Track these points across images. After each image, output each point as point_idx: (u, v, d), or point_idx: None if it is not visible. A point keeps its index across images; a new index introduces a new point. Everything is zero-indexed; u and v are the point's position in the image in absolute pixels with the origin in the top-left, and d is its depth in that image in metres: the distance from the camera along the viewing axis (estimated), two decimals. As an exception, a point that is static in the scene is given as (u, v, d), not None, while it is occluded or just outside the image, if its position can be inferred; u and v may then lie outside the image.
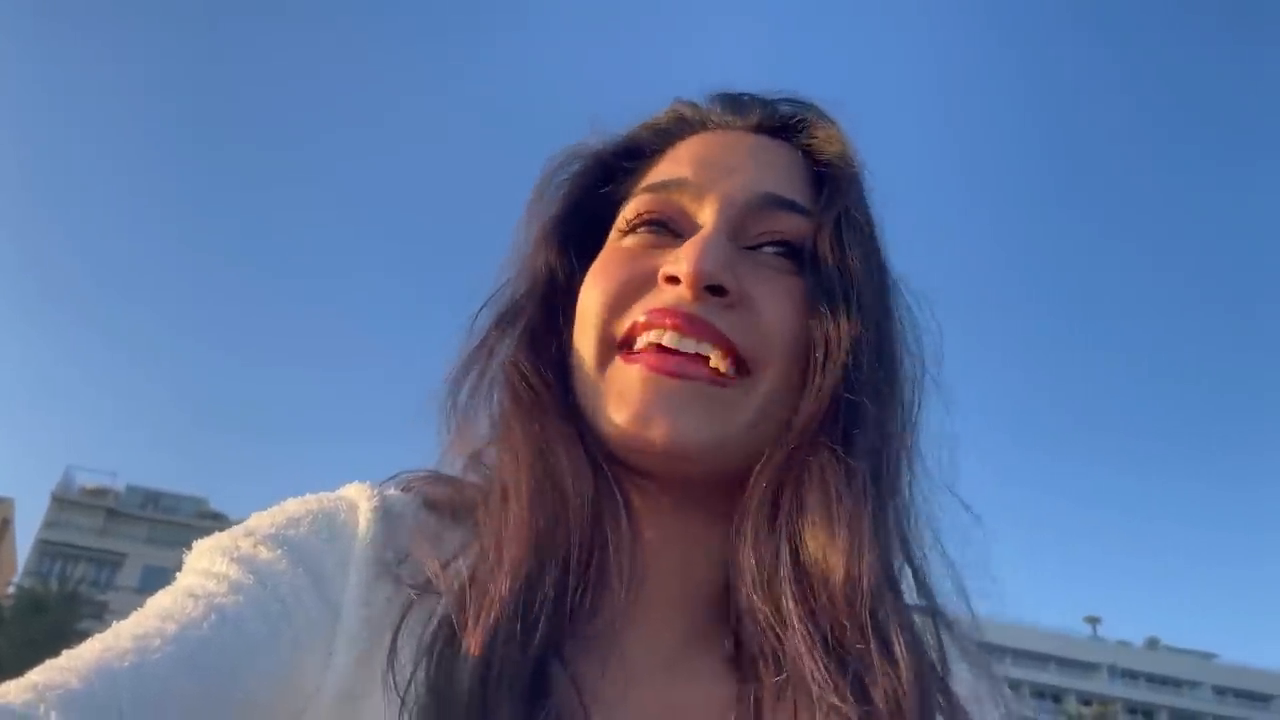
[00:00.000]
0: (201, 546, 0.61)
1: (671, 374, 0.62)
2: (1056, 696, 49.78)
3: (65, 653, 0.51)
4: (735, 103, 0.76)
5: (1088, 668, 53.32)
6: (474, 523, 0.65)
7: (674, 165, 0.71)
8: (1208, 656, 57.40)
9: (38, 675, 0.48)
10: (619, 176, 0.75)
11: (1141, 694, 53.63)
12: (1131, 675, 54.54)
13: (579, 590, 0.60)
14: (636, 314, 0.65)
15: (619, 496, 0.64)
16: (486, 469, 0.69)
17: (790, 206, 0.69)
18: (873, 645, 0.59)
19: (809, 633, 0.59)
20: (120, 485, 47.67)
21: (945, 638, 0.66)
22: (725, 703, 0.62)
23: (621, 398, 0.63)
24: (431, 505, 0.67)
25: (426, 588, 0.60)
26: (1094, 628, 55.54)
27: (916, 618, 0.65)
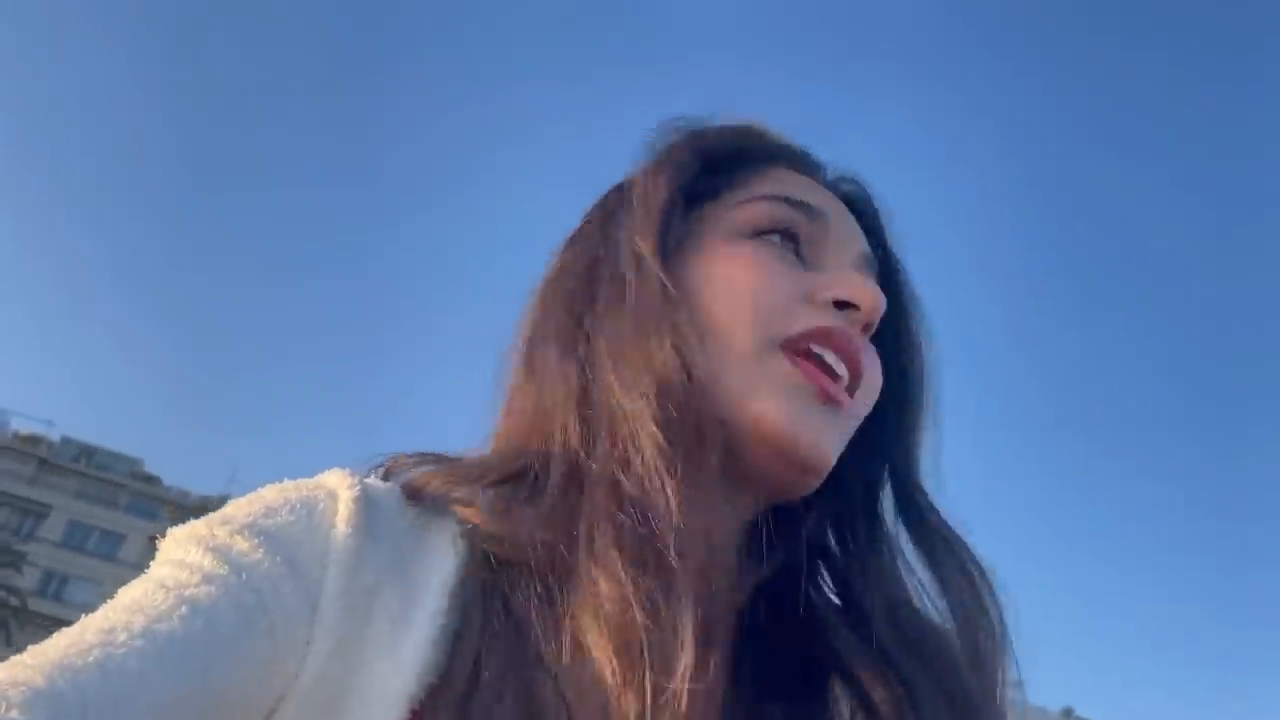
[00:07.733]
0: (176, 535, 0.59)
1: (834, 401, 0.65)
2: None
3: (30, 649, 0.50)
4: (810, 159, 0.79)
5: (1000, 732, 53.82)
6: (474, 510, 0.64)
7: (802, 190, 0.72)
8: (1119, 733, 58.20)
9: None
10: (721, 166, 0.75)
11: (1050, 764, 54.31)
12: (1043, 744, 55.22)
13: None
14: (802, 322, 0.66)
15: None
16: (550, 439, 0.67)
17: (878, 281, 0.73)
18: (926, 658, 0.65)
19: (884, 634, 0.65)
20: (56, 435, 46.57)
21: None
22: (725, 691, 0.65)
23: (785, 403, 0.64)
24: (413, 495, 0.65)
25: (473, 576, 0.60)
26: (1011, 693, 56.05)
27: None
